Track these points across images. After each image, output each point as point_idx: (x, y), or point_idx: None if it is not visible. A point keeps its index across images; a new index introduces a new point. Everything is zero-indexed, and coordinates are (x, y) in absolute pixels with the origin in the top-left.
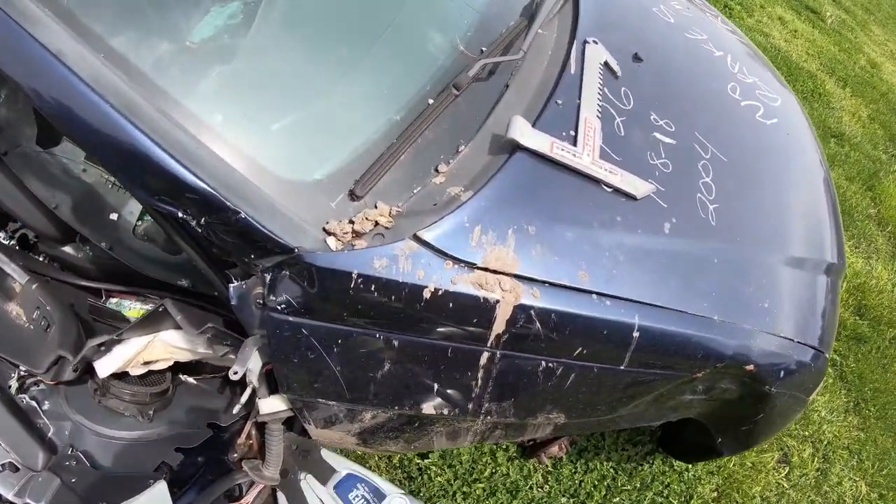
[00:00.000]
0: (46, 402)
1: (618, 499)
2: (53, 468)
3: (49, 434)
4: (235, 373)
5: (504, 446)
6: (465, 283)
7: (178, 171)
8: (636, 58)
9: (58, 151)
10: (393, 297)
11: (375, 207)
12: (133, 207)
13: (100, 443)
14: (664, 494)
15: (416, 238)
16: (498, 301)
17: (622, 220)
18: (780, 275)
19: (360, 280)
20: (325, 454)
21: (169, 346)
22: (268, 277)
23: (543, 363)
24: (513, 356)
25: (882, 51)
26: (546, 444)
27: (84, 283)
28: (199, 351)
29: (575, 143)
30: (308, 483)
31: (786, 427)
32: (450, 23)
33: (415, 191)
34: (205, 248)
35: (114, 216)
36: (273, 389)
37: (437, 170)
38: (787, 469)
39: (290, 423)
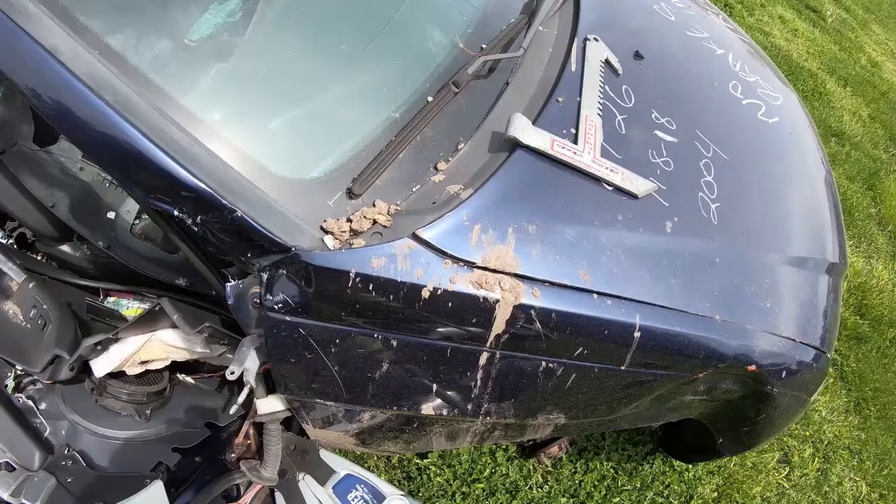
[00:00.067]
0: (43, 402)
1: (618, 499)
2: (50, 468)
3: (45, 433)
4: (233, 372)
5: (503, 446)
6: (464, 283)
7: (174, 168)
8: (637, 55)
9: (55, 150)
10: (391, 297)
11: (374, 206)
12: (130, 206)
13: (96, 442)
14: (664, 494)
15: (415, 237)
16: (498, 301)
17: (623, 219)
18: (782, 274)
19: (357, 279)
20: (324, 454)
21: (166, 345)
22: (265, 276)
23: (543, 363)
24: (512, 356)
25: (882, 50)
26: (546, 444)
27: (82, 281)
28: (197, 350)
29: (576, 141)
30: (306, 483)
31: (787, 427)
32: (449, 19)
33: (414, 189)
34: (201, 246)
35: (111, 215)
36: (271, 389)
37: (436, 168)
38: (787, 469)
39: (288, 423)
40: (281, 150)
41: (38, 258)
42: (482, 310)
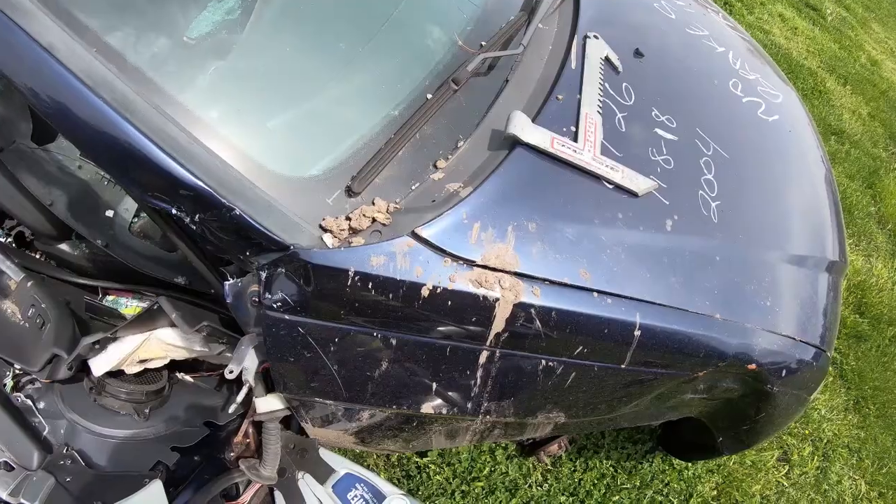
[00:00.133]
0: (41, 401)
1: (617, 497)
2: (48, 467)
3: (44, 433)
4: (231, 371)
5: (503, 445)
6: (464, 281)
7: (172, 167)
8: (637, 53)
9: (53, 148)
10: (390, 295)
11: (373, 204)
12: (129, 204)
13: (95, 441)
14: (664, 493)
15: (415, 235)
16: (497, 299)
17: (623, 218)
18: (782, 273)
19: (356, 278)
20: (324, 453)
21: (164, 343)
22: (263, 275)
23: (543, 362)
24: (512, 355)
25: (882, 48)
26: (545, 443)
27: (80, 280)
28: (195, 349)
29: (576, 139)
30: (306, 482)
31: (786, 426)
32: (449, 17)
33: (413, 187)
34: (200, 245)
35: (110, 213)
36: (270, 388)
37: (435, 166)
38: (786, 467)
39: (287, 422)
40: (279, 148)
41: (37, 257)
42: (482, 308)
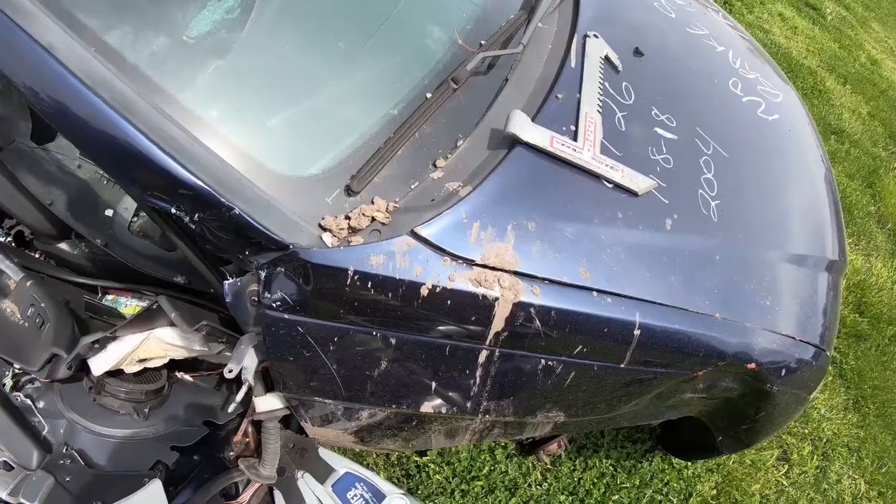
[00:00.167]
0: (41, 401)
1: (617, 496)
2: (48, 467)
3: (44, 432)
4: (231, 371)
5: (503, 444)
6: (463, 280)
7: (171, 166)
8: (637, 52)
9: (53, 147)
10: (390, 295)
11: (372, 203)
12: (128, 204)
13: (95, 441)
14: (663, 492)
15: (414, 234)
16: (497, 298)
17: (623, 217)
18: (782, 272)
19: (356, 277)
20: (323, 452)
21: (164, 343)
22: (263, 274)
23: (543, 361)
24: (512, 354)
25: (882, 48)
26: (545, 442)
27: (80, 279)
28: (195, 348)
29: (575, 138)
30: (305, 482)
31: (786, 425)
32: (448, 16)
33: (412, 186)
34: (199, 244)
35: (109, 212)
36: (269, 387)
37: (435, 165)
38: (786, 467)
39: (287, 421)
40: (279, 148)
41: (37, 256)
42: (481, 307)
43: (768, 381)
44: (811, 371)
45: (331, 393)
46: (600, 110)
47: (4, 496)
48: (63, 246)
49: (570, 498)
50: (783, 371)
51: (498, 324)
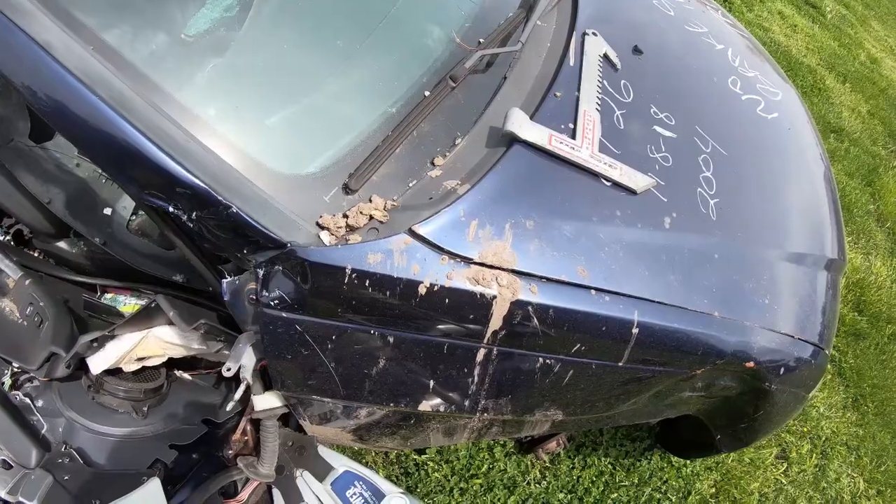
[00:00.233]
0: (40, 399)
1: (616, 494)
2: (46, 465)
3: (42, 431)
4: (229, 369)
5: (501, 442)
6: (461, 279)
7: (169, 165)
8: (636, 50)
9: (51, 146)
10: (388, 293)
11: (370, 201)
12: (127, 202)
13: (93, 440)
14: (662, 490)
15: (412, 232)
16: (495, 297)
17: (621, 215)
18: (781, 271)
19: (354, 275)
20: (322, 451)
21: (162, 341)
22: (261, 273)
23: (541, 360)
24: (510, 353)
25: (882, 46)
26: (544, 440)
27: (78, 278)
28: (193, 347)
29: (574, 136)
30: (305, 480)
31: (785, 424)
32: (447, 14)
33: (410, 184)
34: (197, 243)
35: (107, 211)
36: (268, 386)
37: (433, 163)
38: (785, 465)
39: (286, 419)
40: (277, 146)
41: (36, 255)
42: (479, 306)
43: (767, 380)
44: (810, 369)
45: (329, 391)
46: (599, 108)
47: (3, 495)
48: (62, 244)
49: (569, 496)
50: (782, 369)
51: (496, 322)
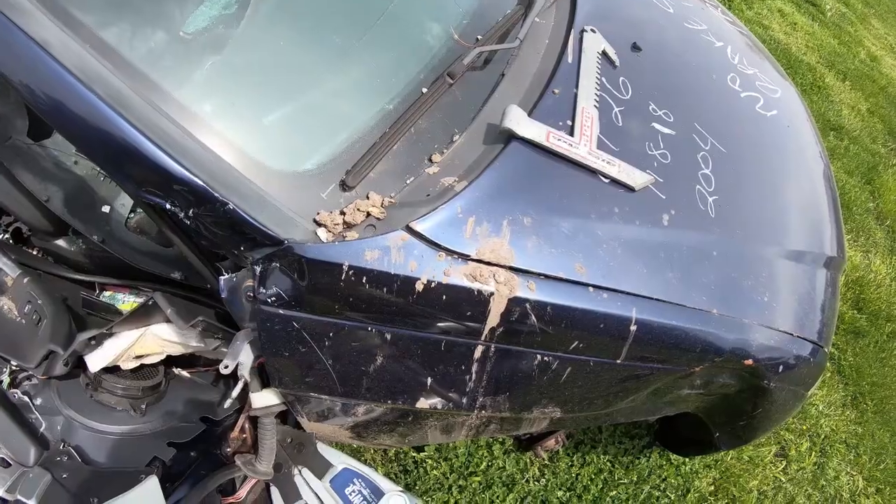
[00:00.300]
0: (38, 397)
1: (614, 492)
2: (45, 464)
3: (41, 429)
4: (226, 367)
5: (500, 440)
6: (458, 276)
7: (166, 162)
8: (635, 47)
9: (49, 144)
10: (385, 290)
11: (367, 198)
12: (125, 200)
13: (92, 437)
14: (661, 488)
15: (409, 229)
16: (492, 294)
17: (620, 212)
18: (780, 268)
19: (351, 272)
20: (321, 448)
21: (160, 339)
22: (258, 270)
23: (539, 357)
24: (507, 350)
25: (882, 44)
26: (542, 438)
27: (77, 276)
28: (191, 344)
29: (572, 133)
30: (303, 477)
31: (784, 421)
32: (445, 11)
33: (408, 181)
34: (195, 240)
35: (106, 209)
36: (265, 383)
37: (430, 160)
38: (784, 463)
39: (285, 416)
40: (274, 143)
41: (34, 253)
42: (477, 303)
43: (766, 378)
44: (809, 367)
45: (326, 388)
46: (597, 105)
47: (2, 493)
48: (60, 242)
49: (568, 494)
50: (781, 367)
51: (493, 319)
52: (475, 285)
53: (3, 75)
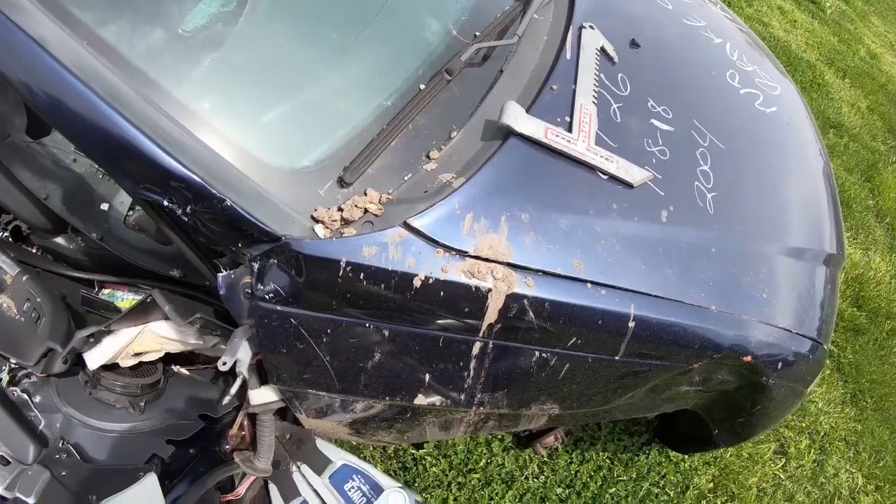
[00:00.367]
0: (37, 395)
1: (614, 489)
2: (44, 461)
3: (40, 427)
4: (224, 363)
5: (499, 436)
6: (456, 272)
7: (163, 159)
8: (633, 44)
9: (48, 142)
10: (382, 286)
11: (365, 194)
12: (124, 197)
13: (91, 435)
14: (660, 485)
15: (407, 225)
16: (490, 290)
17: (618, 208)
18: (779, 265)
19: (348, 268)
20: (320, 444)
21: (159, 336)
22: (256, 266)
23: (537, 353)
24: (506, 346)
25: (881, 42)
26: (542, 435)
27: (76, 274)
28: (190, 341)
29: (570, 130)
30: (302, 473)
31: (783, 418)
32: (443, 7)
33: (405, 178)
34: (192, 237)
35: (104, 206)
36: (264, 380)
37: (428, 156)
38: (783, 460)
39: (283, 413)
40: (272, 140)
41: (33, 251)
42: (474, 299)
43: (765, 375)
44: (808, 364)
45: (324, 385)
46: (596, 102)
47: (1, 490)
48: (59, 240)
49: (567, 491)
50: (780, 364)
51: (491, 315)
52: (473, 281)
53: (1, 73)
